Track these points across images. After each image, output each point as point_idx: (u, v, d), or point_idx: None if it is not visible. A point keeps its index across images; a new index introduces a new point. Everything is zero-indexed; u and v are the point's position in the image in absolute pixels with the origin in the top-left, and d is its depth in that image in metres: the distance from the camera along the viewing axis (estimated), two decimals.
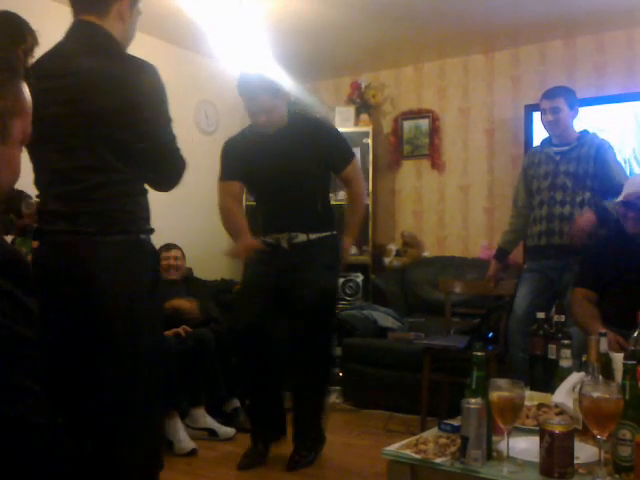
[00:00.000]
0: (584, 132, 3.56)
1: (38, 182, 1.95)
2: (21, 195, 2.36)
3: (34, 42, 1.08)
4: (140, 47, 4.91)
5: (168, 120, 1.93)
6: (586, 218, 3.31)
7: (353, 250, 4.90)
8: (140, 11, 2.04)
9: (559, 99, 3.47)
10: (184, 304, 3.88)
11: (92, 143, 1.84)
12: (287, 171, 3.05)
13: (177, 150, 1.96)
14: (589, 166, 3.42)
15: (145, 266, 1.92)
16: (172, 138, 1.94)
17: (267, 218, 3.18)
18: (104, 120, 1.83)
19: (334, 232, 3.19)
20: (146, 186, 1.99)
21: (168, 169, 1.97)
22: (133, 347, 1.85)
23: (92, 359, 1.82)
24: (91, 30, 1.91)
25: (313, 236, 3.09)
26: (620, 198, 2.97)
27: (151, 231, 1.98)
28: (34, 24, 1.10)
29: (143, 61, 1.91)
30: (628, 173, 3.89)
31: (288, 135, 3.06)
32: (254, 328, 3.08)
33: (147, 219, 1.97)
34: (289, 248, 3.08)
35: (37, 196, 1.98)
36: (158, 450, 2.07)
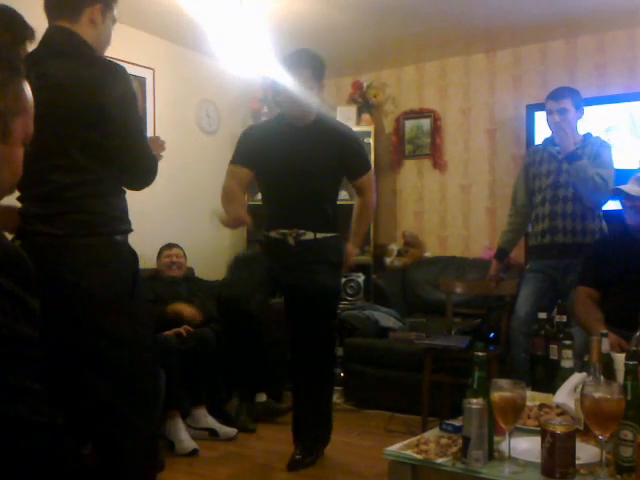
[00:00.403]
0: (588, 135, 3.56)
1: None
2: None
3: (32, 37, 1.08)
4: (143, 46, 4.92)
5: (137, 120, 1.97)
6: (570, 137, 3.38)
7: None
8: (115, 18, 2.09)
9: (566, 100, 3.46)
10: (185, 309, 3.86)
11: (63, 144, 1.88)
12: (304, 167, 3.02)
13: (146, 149, 1.99)
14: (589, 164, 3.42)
15: (122, 267, 1.94)
16: (141, 137, 1.97)
17: (275, 213, 3.13)
18: (71, 121, 1.87)
19: (338, 234, 3.18)
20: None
21: (138, 168, 2.00)
22: (111, 351, 1.86)
23: (73, 365, 1.83)
24: (62, 34, 1.96)
25: (320, 235, 3.07)
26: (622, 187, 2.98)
27: (127, 231, 2.00)
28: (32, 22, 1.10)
29: (112, 62, 1.95)
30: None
31: (313, 132, 3.06)
32: (245, 300, 2.95)
33: (122, 219, 1.99)
34: (295, 245, 3.05)
35: (17, 198, 1.99)
36: (155, 450, 2.07)
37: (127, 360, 1.88)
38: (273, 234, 3.10)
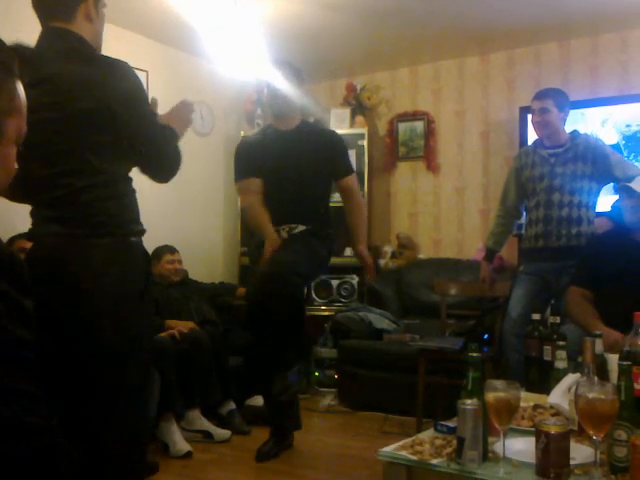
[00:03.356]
0: (575, 132, 3.56)
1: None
2: None
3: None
4: (136, 48, 4.91)
5: (149, 114, 1.93)
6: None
7: (348, 252, 4.91)
8: (105, 3, 2.02)
9: (548, 100, 3.47)
10: (179, 325, 3.80)
11: (73, 147, 1.85)
12: (297, 167, 3.25)
13: (165, 141, 1.95)
14: (586, 167, 3.42)
15: (135, 268, 1.93)
16: (157, 130, 1.93)
17: (271, 210, 3.28)
18: (81, 123, 1.84)
19: (331, 230, 3.40)
20: (134, 184, 1.99)
21: (160, 162, 1.97)
22: (117, 350, 1.85)
23: (78, 360, 1.82)
24: (60, 35, 1.91)
25: (311, 227, 3.28)
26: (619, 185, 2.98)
27: (141, 232, 1.98)
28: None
29: (115, 60, 1.90)
30: None
31: (301, 135, 3.33)
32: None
33: (135, 220, 1.97)
34: (287, 237, 3.25)
35: (27, 202, 1.98)
36: (143, 452, 2.05)
37: (113, 361, 1.86)
38: None
